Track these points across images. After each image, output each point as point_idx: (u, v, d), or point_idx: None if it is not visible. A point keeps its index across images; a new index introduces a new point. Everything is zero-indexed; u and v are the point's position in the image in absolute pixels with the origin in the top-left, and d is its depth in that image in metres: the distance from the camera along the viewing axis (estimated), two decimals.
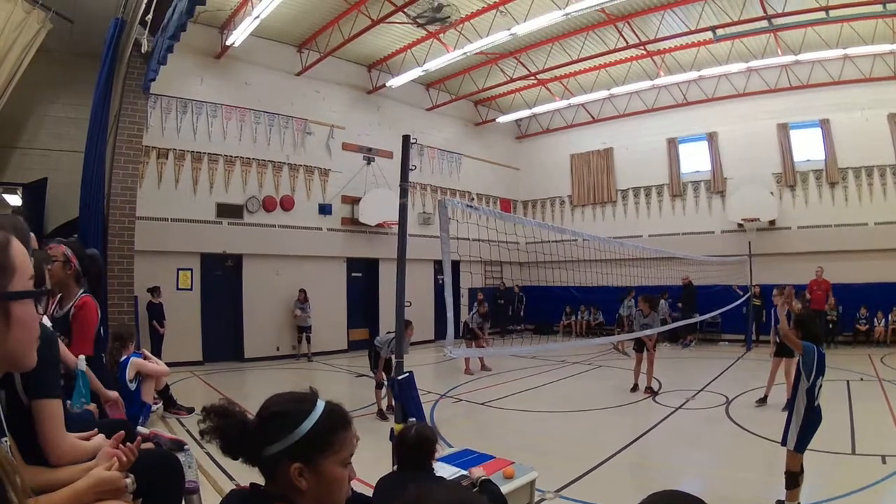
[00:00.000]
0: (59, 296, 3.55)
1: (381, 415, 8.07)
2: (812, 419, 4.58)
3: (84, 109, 10.49)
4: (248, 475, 1.54)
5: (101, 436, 2.24)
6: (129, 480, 1.86)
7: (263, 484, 1.50)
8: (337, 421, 1.54)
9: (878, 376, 10.37)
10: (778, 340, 8.91)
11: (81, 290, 3.61)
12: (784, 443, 4.67)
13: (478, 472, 3.25)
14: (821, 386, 4.63)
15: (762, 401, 8.44)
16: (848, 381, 9.72)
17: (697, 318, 14.61)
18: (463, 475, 3.52)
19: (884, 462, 5.62)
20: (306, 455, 1.45)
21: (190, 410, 7.69)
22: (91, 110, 9.95)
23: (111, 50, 9.95)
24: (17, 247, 1.24)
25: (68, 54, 11.52)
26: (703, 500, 1.15)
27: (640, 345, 9.97)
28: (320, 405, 1.53)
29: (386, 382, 7.60)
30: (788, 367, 8.24)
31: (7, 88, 9.30)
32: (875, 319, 14.35)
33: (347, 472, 1.55)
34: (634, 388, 9.83)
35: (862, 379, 10.09)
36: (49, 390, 2.04)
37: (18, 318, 1.20)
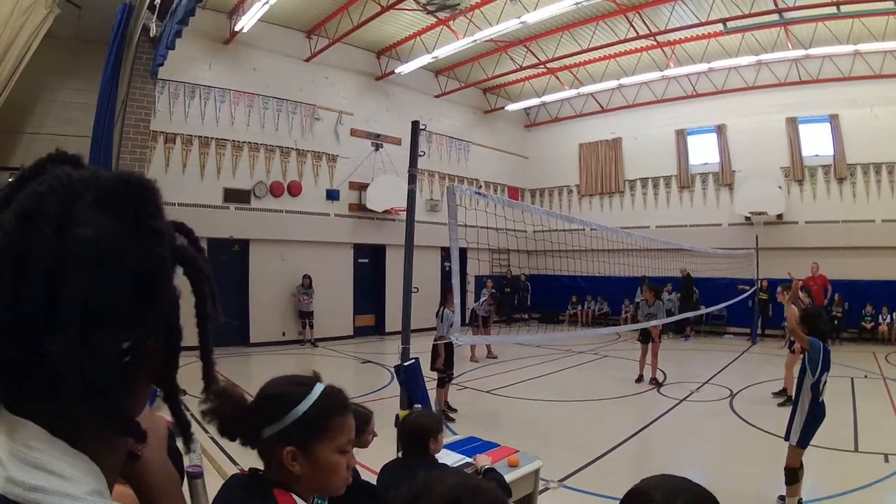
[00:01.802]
0: None
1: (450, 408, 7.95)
2: (816, 415, 4.59)
3: (91, 94, 10.45)
4: (254, 460, 1.50)
5: None
6: None
7: (262, 469, 1.46)
8: (333, 405, 1.47)
9: (882, 374, 10.36)
10: None
11: None
12: (787, 437, 4.69)
13: (482, 459, 3.25)
14: (825, 382, 4.63)
15: (782, 392, 8.39)
16: (852, 378, 9.71)
17: (703, 311, 14.58)
18: (467, 462, 3.54)
19: (886, 460, 5.64)
20: (300, 439, 1.39)
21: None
22: (98, 95, 9.93)
23: (119, 34, 9.92)
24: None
25: (76, 40, 11.47)
26: (698, 484, 1.15)
27: (645, 335, 9.98)
28: (318, 388, 1.46)
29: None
30: (793, 362, 8.22)
31: (14, 74, 9.28)
32: (880, 316, 14.30)
33: (346, 459, 1.47)
34: (639, 379, 9.87)
35: (866, 376, 10.07)
36: None
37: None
